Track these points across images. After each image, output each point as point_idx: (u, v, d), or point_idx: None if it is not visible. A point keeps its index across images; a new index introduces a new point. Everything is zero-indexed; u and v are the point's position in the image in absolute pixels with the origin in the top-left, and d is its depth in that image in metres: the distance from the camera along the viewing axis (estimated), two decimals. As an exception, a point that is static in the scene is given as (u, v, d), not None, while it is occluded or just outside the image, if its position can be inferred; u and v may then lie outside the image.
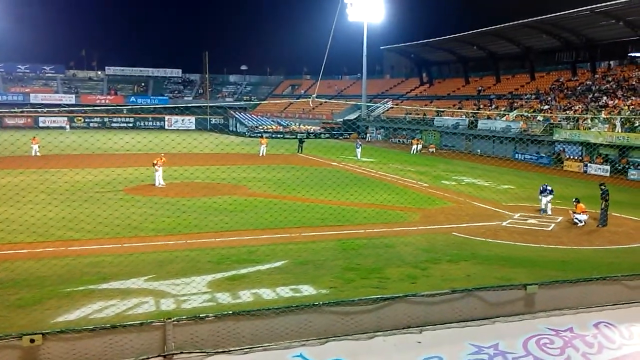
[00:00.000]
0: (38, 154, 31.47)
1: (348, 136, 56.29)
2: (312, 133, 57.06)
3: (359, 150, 36.39)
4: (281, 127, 58.48)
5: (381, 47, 64.50)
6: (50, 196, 16.91)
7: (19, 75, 71.57)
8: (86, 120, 64.59)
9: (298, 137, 45.34)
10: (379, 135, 56.99)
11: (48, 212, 14.29)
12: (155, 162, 21.69)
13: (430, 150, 42.92)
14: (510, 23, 42.44)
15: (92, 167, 24.10)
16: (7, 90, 67.50)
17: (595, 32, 40.26)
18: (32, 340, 4.30)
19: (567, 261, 12.48)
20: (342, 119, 61.41)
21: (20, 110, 60.11)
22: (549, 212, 17.46)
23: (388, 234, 14.46)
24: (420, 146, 43.12)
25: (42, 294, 9.24)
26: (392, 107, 59.44)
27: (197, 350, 4.66)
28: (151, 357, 4.58)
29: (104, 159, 23.68)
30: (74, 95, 69.98)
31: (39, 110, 59.64)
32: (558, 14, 38.11)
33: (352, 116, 62.63)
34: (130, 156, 23.34)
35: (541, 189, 17.93)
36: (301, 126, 59.56)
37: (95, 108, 65.65)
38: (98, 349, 4.50)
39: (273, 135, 52.87)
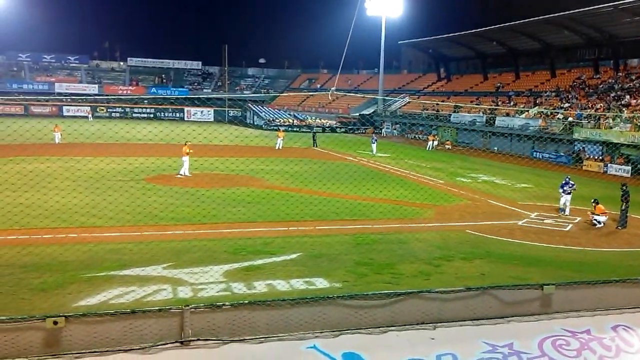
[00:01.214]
0: (58, 141, 32.23)
1: (364, 131, 56.07)
2: (328, 127, 57.00)
3: (374, 145, 36.22)
4: (297, 121, 58.56)
5: (399, 42, 63.92)
6: (75, 183, 17.34)
7: (45, 64, 73.06)
8: (108, 110, 65.79)
9: (313, 130, 45.39)
10: (394, 131, 56.64)
11: (72, 198, 14.65)
12: (189, 150, 21.83)
13: (447, 146, 42.51)
14: (531, 19, 41.51)
15: (114, 156, 24.59)
16: (33, 79, 69.10)
17: (619, 29, 39.07)
18: (55, 322, 4.42)
19: (584, 262, 12.31)
20: (358, 114, 61.17)
21: (46, 99, 61.35)
22: (567, 212, 17.15)
23: (402, 230, 14.46)
24: (436, 142, 42.74)
25: (64, 278, 9.51)
26: (408, 102, 58.94)
27: (214, 338, 4.75)
28: (169, 343, 4.68)
29: (126, 148, 24.11)
30: (97, 85, 71.38)
31: (64, 99, 60.88)
32: (580, 10, 37.13)
33: (368, 111, 62.32)
34: (152, 146, 23.71)
35: (563, 182, 17.49)
36: (317, 120, 59.52)
37: (120, 98, 66.64)
38: (118, 333, 4.62)
39: (289, 129, 53.00)
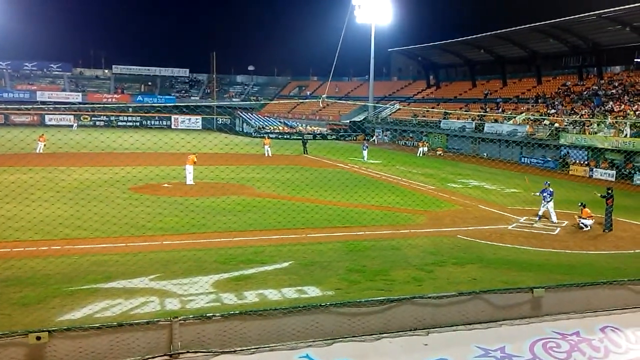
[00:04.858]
0: (41, 151, 31.09)
1: (355, 138, 56.27)
2: (318, 134, 57.09)
3: (365, 152, 36.36)
4: (288, 128, 58.57)
5: (388, 50, 64.50)
6: (59, 194, 17.04)
7: (26, 72, 71.93)
8: (92, 118, 65.01)
9: (304, 137, 45.48)
10: (385, 137, 56.94)
11: (56, 209, 14.38)
12: (195, 160, 22.08)
13: (438, 153, 42.83)
14: (518, 27, 42.29)
15: (100, 165, 24.27)
16: (14, 87, 67.97)
17: (602, 37, 40.02)
18: (38, 338, 4.29)
19: (573, 265, 12.41)
20: (349, 121, 61.45)
21: (26, 108, 60.26)
22: (554, 218, 17.05)
23: (394, 236, 14.44)
24: (426, 148, 43.05)
25: (47, 292, 9.25)
26: (399, 109, 59.37)
27: (204, 350, 4.67)
28: (157, 356, 4.59)
29: (111, 157, 23.80)
30: (80, 94, 70.42)
31: (46, 108, 59.99)
32: (565, 18, 37.97)
33: (359, 118, 62.62)
34: (138, 155, 23.46)
35: (543, 188, 17.45)
36: (307, 127, 59.61)
37: (106, 106, 65.98)
38: (104, 347, 4.51)
39: (279, 136, 52.94)
